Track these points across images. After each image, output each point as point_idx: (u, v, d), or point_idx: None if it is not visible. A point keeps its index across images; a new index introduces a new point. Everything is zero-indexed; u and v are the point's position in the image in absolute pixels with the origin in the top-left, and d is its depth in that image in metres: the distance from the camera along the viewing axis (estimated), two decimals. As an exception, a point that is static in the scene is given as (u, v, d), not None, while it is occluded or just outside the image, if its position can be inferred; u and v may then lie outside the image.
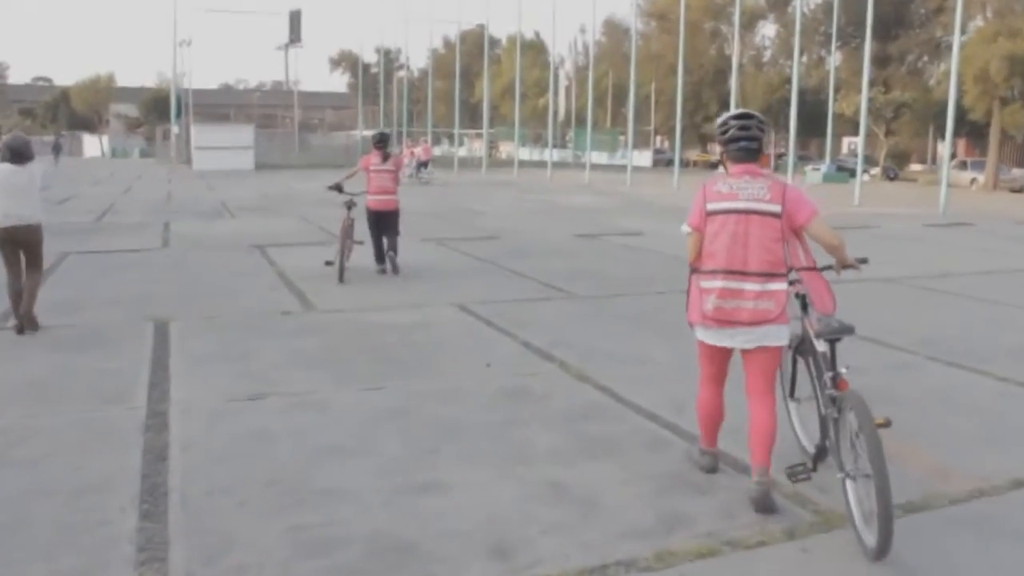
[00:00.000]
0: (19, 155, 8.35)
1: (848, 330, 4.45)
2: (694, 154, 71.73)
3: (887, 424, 3.94)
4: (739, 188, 4.41)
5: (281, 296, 10.37)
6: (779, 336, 4.49)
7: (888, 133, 58.75)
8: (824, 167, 47.68)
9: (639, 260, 14.14)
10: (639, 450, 5.29)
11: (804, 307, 4.65)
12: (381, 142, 12.32)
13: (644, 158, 63.85)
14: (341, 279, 11.24)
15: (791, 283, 4.50)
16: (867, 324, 8.90)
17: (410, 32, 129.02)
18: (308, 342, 7.96)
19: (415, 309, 9.60)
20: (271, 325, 8.75)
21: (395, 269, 11.96)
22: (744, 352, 4.51)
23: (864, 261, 4.70)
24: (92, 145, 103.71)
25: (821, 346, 4.47)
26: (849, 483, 4.13)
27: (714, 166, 63.47)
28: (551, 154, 51.19)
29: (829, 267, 4.65)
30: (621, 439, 5.46)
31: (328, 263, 11.71)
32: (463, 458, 5.12)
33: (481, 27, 62.71)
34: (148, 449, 5.23)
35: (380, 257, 12.12)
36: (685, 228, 4.60)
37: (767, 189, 4.38)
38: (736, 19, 36.88)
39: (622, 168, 46.16)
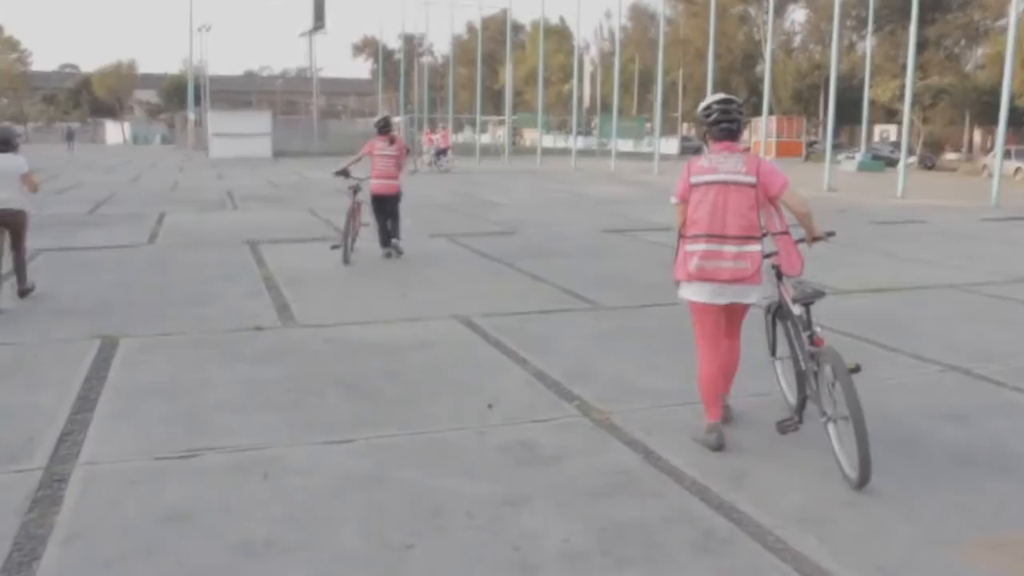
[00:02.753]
0: (4, 143, 9.12)
1: (819, 295, 4.86)
2: (723, 141, 69.67)
3: (857, 369, 4.48)
4: (718, 162, 4.96)
5: (260, 305, 8.99)
6: (753, 294, 5.06)
7: (923, 121, 56.82)
8: (859, 155, 45.70)
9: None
10: (684, 550, 3.86)
11: (779, 276, 5.12)
12: (385, 127, 12.50)
13: (671, 146, 62.01)
14: (346, 261, 11.61)
15: (766, 256, 4.99)
16: (949, 346, 7.41)
17: (432, 18, 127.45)
18: (275, 370, 6.57)
19: (411, 323, 8.18)
20: (238, 345, 7.36)
21: (398, 251, 12.36)
22: (722, 307, 5.09)
23: (831, 234, 5.37)
24: (114, 132, 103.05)
25: (797, 309, 4.92)
26: (831, 425, 4.71)
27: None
28: (575, 141, 49.59)
29: (801, 240, 5.19)
30: (659, 530, 4.03)
31: (334, 246, 11.93)
32: (442, 564, 3.72)
33: (504, 12, 61.06)
34: (20, 542, 3.86)
35: (385, 241, 12.41)
36: (672, 199, 5.20)
37: (743, 163, 4.96)
38: (770, 1, 34.85)
39: (648, 156, 44.54)
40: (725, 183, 4.92)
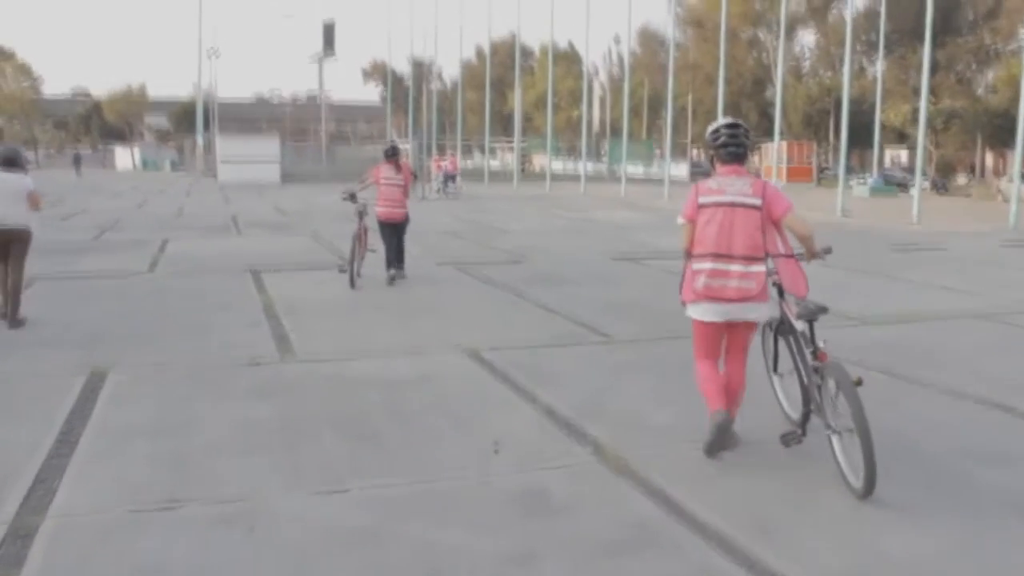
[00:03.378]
0: (11, 163, 9.28)
1: (823, 310, 4.93)
2: (732, 166, 69.32)
3: (860, 383, 4.56)
4: (726, 185, 5.11)
5: (258, 337, 8.62)
6: (758, 311, 5.17)
7: (935, 145, 56.37)
8: (871, 180, 45.27)
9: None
10: (713, 621, 3.46)
11: (780, 293, 5.27)
12: (392, 153, 12.78)
13: (681, 170, 61.64)
14: (352, 285, 11.64)
15: (768, 273, 5.10)
16: (984, 380, 6.87)
17: (441, 42, 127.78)
18: (269, 408, 6.19)
19: (414, 356, 7.80)
20: (232, 380, 6.99)
21: (400, 274, 12.41)
22: (728, 325, 5.21)
23: (828, 251, 5.37)
24: (124, 157, 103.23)
25: (800, 326, 5.06)
26: (834, 437, 4.83)
27: (753, 179, 61.43)
28: (585, 166, 49.31)
29: (801, 254, 5.26)
30: (683, 596, 3.63)
31: (341, 270, 12.19)
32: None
33: (513, 36, 61.00)
34: (-27, 609, 3.48)
35: (390, 262, 12.38)
36: (680, 219, 5.28)
37: (749, 186, 5.09)
38: (782, 21, 34.62)
39: (658, 181, 44.24)
40: (732, 204, 5.08)
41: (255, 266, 13.74)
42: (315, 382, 6.91)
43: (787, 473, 4.95)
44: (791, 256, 5.19)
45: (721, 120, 5.33)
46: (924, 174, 50.62)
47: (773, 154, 41.48)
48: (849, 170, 56.96)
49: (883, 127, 46.16)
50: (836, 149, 71.96)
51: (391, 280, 12.17)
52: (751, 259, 5.02)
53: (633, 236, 19.68)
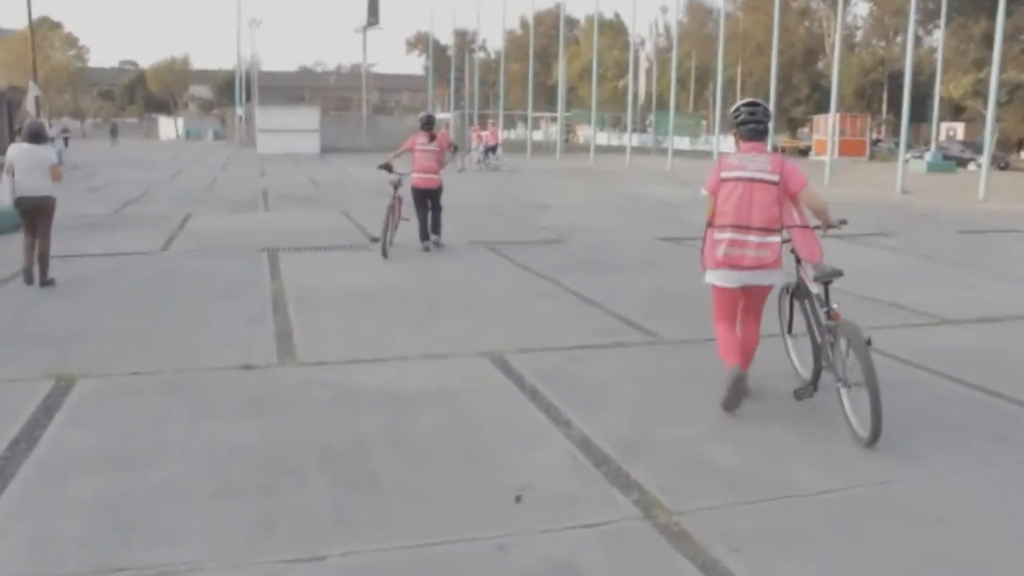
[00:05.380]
0: (36, 136, 9.99)
1: (838, 273, 5.28)
2: (782, 139, 67.29)
3: (870, 342, 4.92)
4: (747, 161, 5.56)
5: (258, 334, 7.64)
6: (772, 278, 5.65)
7: (996, 118, 54.10)
8: (929, 155, 43.34)
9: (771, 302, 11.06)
10: None
11: (798, 260, 5.60)
12: (428, 124, 12.84)
13: (728, 144, 59.93)
14: (385, 255, 11.77)
15: (784, 241, 5.54)
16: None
17: (485, 12, 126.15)
18: (251, 431, 5.20)
19: (432, 362, 6.77)
20: (217, 391, 6.01)
21: (437, 244, 12.71)
22: (745, 289, 5.67)
23: (844, 222, 5.81)
24: (167, 127, 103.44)
25: (816, 288, 5.43)
26: (844, 390, 5.21)
27: (804, 153, 59.67)
28: (630, 139, 47.89)
29: (817, 227, 5.66)
30: None
31: (373, 239, 12.58)
32: None
33: (558, 6, 59.44)
34: None
35: (424, 234, 12.59)
36: (703, 192, 5.76)
37: (768, 162, 5.53)
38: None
39: (705, 154, 42.82)
40: (752, 180, 5.49)
41: (275, 246, 12.80)
42: (312, 395, 5.90)
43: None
44: (806, 227, 5.56)
45: (741, 100, 5.79)
46: (973, 149, 48.69)
47: (828, 127, 39.46)
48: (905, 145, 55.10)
49: (940, 100, 44.04)
50: (888, 123, 69.91)
51: (426, 249, 12.45)
52: (767, 230, 5.44)
53: (680, 214, 18.41)
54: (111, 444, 4.99)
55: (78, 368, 6.44)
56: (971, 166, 46.61)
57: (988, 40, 55.44)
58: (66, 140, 57.36)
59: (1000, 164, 48.41)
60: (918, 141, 55.68)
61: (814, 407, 5.63)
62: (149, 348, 7.12)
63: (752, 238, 5.45)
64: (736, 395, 5.47)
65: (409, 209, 12.59)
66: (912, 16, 28.16)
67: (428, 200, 12.61)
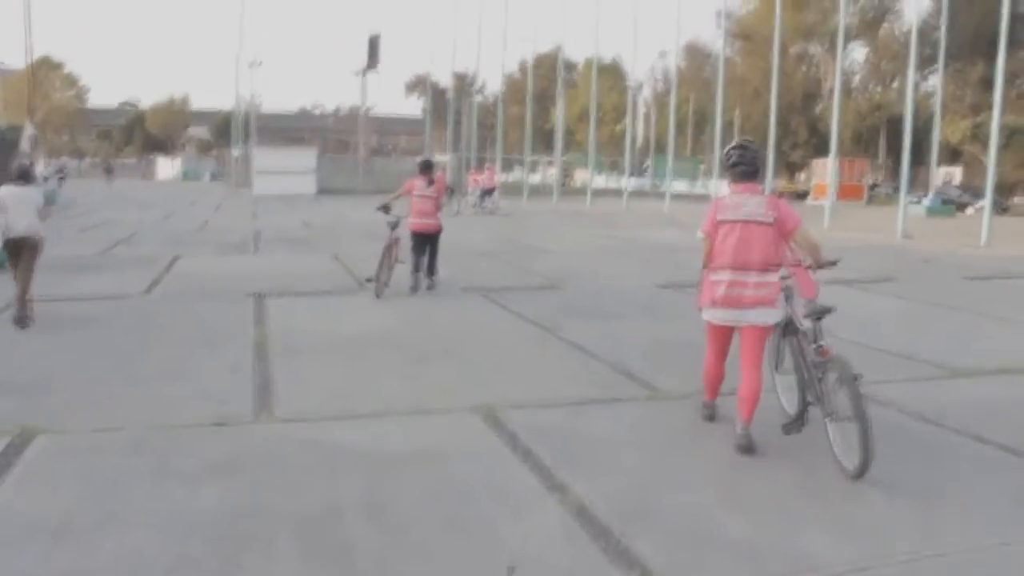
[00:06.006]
0: (23, 177, 10.16)
1: (828, 310, 5.44)
2: (780, 183, 67.23)
3: (859, 377, 5.03)
4: (742, 202, 5.61)
5: (237, 385, 7.21)
6: (771, 316, 5.65)
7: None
8: (928, 199, 43.13)
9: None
10: None
11: (787, 298, 5.77)
12: (426, 168, 12.86)
13: (726, 188, 59.67)
14: (378, 295, 11.85)
15: (781, 277, 5.64)
16: None
17: (484, 55, 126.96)
18: (218, 495, 4.76)
19: (418, 418, 6.34)
20: (184, 450, 5.57)
21: (430, 287, 12.67)
22: (742, 329, 5.66)
23: (835, 262, 5.78)
24: (165, 168, 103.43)
25: (807, 324, 5.55)
26: (831, 424, 5.32)
27: (801, 196, 59.49)
28: (628, 182, 47.70)
29: (809, 266, 5.78)
30: None
31: (368, 279, 12.29)
32: None
33: (556, 49, 59.54)
34: None
35: (415, 278, 12.54)
36: (699, 234, 5.81)
37: (764, 204, 5.59)
38: (841, 33, 32.83)
39: (703, 197, 42.51)
40: (748, 221, 5.55)
41: (263, 289, 12.40)
42: (287, 456, 5.47)
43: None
44: (799, 265, 5.79)
45: (733, 142, 5.85)
46: (971, 193, 48.53)
47: (829, 171, 39.19)
48: (898, 189, 54.94)
49: (934, 144, 43.93)
50: (886, 167, 69.84)
51: (414, 289, 12.42)
52: (765, 270, 5.53)
53: (680, 259, 18.04)
54: (61, 510, 4.55)
55: (40, 421, 6.01)
56: (969, 210, 46.45)
57: (984, 84, 55.71)
58: (61, 180, 57.21)
59: (999, 208, 48.26)
60: (915, 185, 55.53)
61: (823, 455, 5.25)
62: (118, 400, 6.70)
63: (751, 278, 5.52)
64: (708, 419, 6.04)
65: (405, 251, 12.55)
66: (912, 60, 28.05)
67: (427, 244, 12.62)
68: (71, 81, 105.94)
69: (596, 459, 5.46)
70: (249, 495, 4.79)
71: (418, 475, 5.13)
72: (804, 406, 5.69)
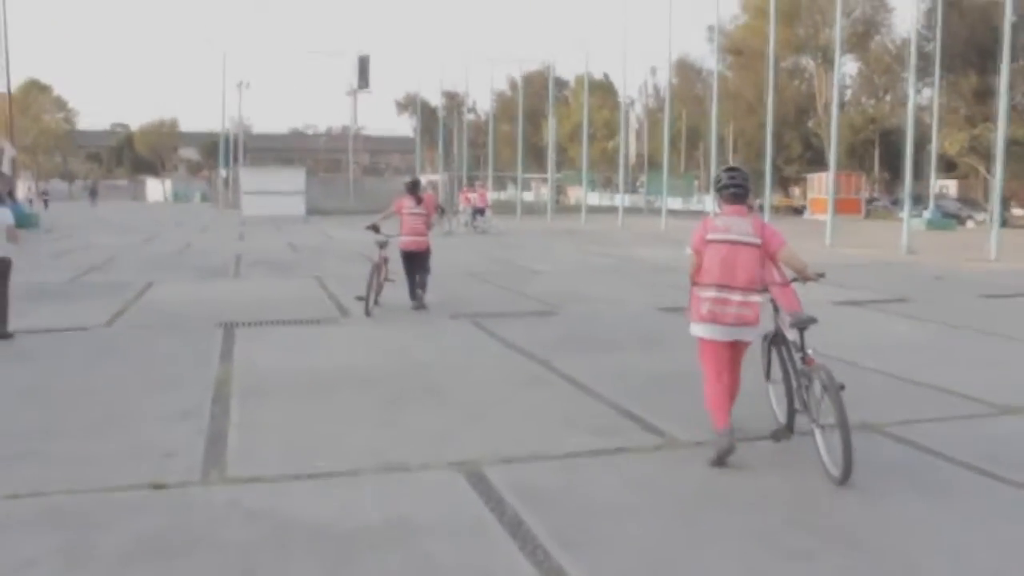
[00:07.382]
0: None
1: (812, 320, 5.71)
2: (775, 199, 66.51)
3: (843, 387, 5.22)
4: (731, 224, 5.79)
5: (185, 436, 6.30)
6: (752, 334, 5.89)
7: (991, 174, 53.36)
8: (928, 213, 42.34)
9: (752, 351, 9.75)
10: None
11: (776, 309, 6.04)
12: (413, 188, 13.02)
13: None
14: (368, 314, 11.84)
15: (763, 291, 5.87)
16: None
17: (474, 74, 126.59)
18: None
19: (390, 477, 5.43)
20: (107, 524, 4.64)
21: (421, 305, 12.59)
22: (727, 344, 5.85)
23: (822, 275, 5.95)
24: (155, 189, 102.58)
25: (792, 334, 5.81)
26: (818, 431, 5.53)
27: (798, 211, 58.80)
28: (622, 199, 46.94)
29: (796, 279, 5.94)
30: None
31: (359, 297, 12.11)
32: None
33: (547, 66, 58.88)
34: None
35: (413, 294, 12.69)
36: (688, 251, 6.00)
37: (751, 226, 5.79)
38: (838, 46, 32.14)
39: (698, 214, 41.72)
40: (735, 243, 5.72)
41: (235, 319, 11.51)
42: (232, 532, 4.56)
43: None
44: (786, 283, 5.98)
45: (723, 167, 6.20)
46: (982, 207, 47.86)
47: (827, 184, 38.29)
48: (896, 203, 54.27)
49: (927, 157, 43.25)
50: (881, 181, 69.16)
51: (416, 308, 12.49)
52: (749, 290, 5.68)
53: (679, 279, 16.92)
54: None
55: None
56: (969, 223, 45.73)
57: (979, 96, 55.12)
58: (46, 202, 56.37)
59: (1000, 220, 47.50)
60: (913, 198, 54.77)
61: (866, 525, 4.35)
62: (44, 457, 5.79)
63: (735, 297, 5.66)
64: (723, 460, 5.60)
65: (395, 272, 12.67)
66: (913, 71, 27.35)
67: (417, 263, 12.67)
68: (60, 104, 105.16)
69: (597, 532, 4.57)
70: (175, 590, 3.89)
71: (386, 559, 4.23)
72: (792, 413, 5.97)
